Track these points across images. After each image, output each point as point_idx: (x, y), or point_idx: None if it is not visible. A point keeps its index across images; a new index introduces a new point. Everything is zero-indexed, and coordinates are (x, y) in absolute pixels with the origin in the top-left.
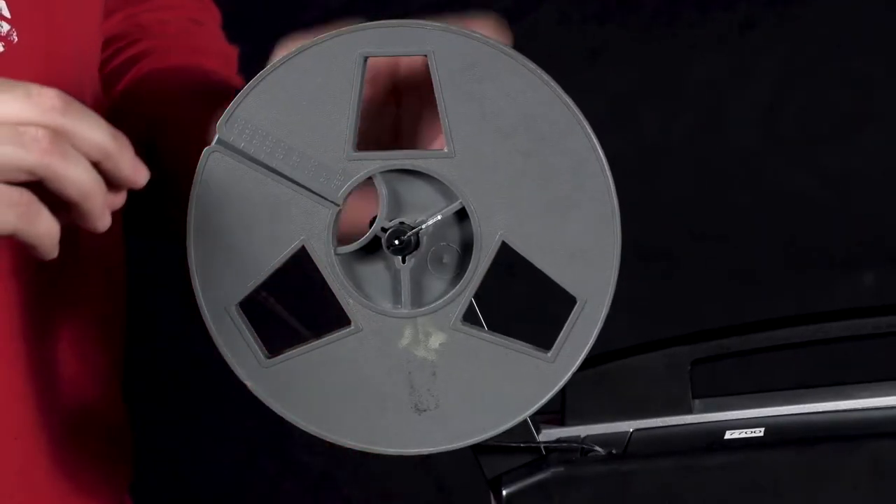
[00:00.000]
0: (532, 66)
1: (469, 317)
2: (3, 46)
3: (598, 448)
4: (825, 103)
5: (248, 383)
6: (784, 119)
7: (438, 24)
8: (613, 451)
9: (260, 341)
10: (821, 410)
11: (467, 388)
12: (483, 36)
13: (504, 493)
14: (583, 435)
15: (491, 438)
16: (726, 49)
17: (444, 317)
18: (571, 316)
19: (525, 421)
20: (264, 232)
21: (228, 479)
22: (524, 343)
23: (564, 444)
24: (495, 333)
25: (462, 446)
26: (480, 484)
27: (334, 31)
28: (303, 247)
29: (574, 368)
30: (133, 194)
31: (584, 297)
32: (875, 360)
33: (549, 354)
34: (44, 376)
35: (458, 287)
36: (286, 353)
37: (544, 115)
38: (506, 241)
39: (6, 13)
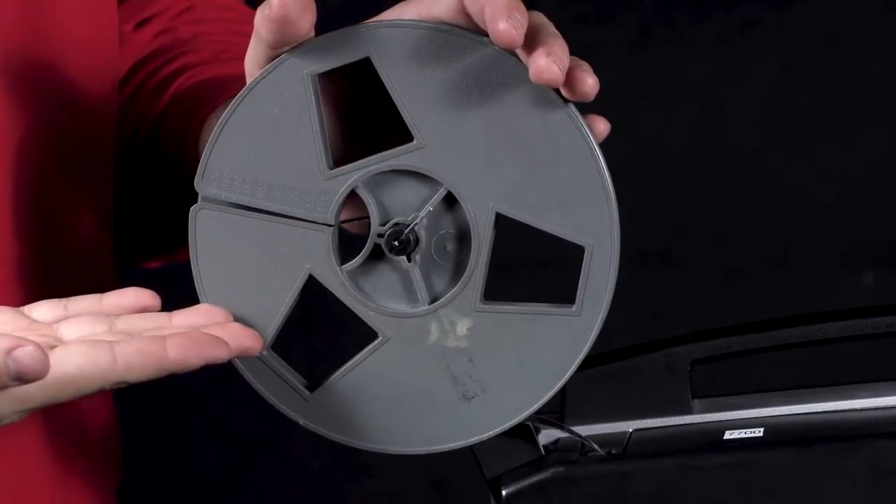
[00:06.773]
0: (463, 33)
1: (488, 294)
2: None
3: (598, 448)
4: (825, 103)
5: (301, 422)
6: (784, 119)
7: (370, 24)
8: (613, 451)
9: (300, 376)
10: (820, 410)
11: (506, 363)
12: (413, 21)
13: (504, 493)
14: (583, 435)
15: (544, 406)
16: (726, 49)
17: (465, 302)
18: (583, 265)
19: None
20: (270, 272)
21: (228, 479)
22: (547, 304)
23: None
24: (517, 303)
25: (523, 419)
26: (480, 484)
27: (275, 61)
28: (311, 276)
29: (602, 316)
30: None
31: (588, 242)
32: (875, 360)
33: (574, 308)
34: None
35: (469, 268)
36: (326, 383)
37: (493, 77)
38: (499, 211)
39: None
